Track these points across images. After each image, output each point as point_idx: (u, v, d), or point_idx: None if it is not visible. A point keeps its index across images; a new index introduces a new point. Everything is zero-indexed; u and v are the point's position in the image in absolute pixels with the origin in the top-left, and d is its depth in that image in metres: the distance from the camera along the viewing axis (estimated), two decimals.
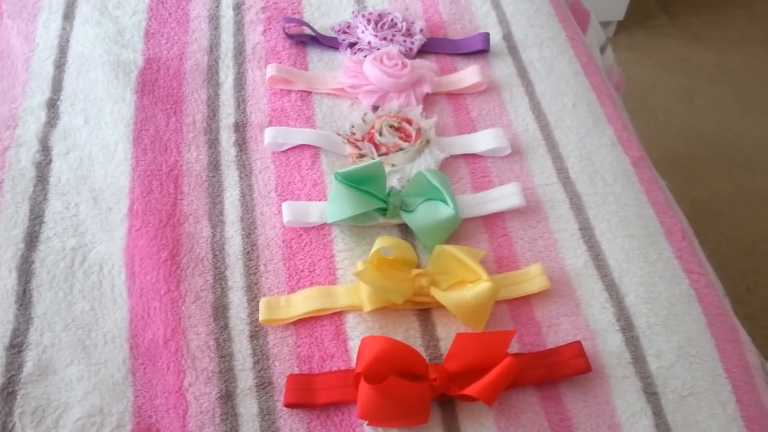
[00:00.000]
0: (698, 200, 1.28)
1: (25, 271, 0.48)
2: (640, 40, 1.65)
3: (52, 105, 0.59)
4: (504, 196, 0.54)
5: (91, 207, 0.51)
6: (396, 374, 0.41)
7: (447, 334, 0.47)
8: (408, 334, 0.47)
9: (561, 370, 0.45)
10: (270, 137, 0.56)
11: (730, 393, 0.46)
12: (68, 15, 0.67)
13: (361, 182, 0.50)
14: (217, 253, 0.50)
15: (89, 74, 0.61)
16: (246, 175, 0.55)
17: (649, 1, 1.78)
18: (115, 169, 0.54)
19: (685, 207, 0.72)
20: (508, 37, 0.69)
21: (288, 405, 0.43)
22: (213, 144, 0.57)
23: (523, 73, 0.65)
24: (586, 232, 0.53)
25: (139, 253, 0.48)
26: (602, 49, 0.92)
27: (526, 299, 0.49)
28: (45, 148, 0.56)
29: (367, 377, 0.40)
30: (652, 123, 1.44)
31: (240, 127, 0.58)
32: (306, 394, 0.43)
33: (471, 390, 0.41)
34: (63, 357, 0.44)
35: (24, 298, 0.46)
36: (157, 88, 0.61)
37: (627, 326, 0.48)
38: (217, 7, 0.69)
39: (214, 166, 0.55)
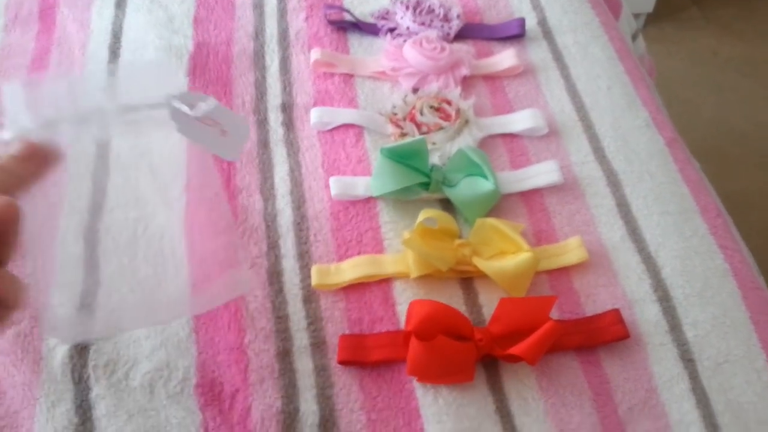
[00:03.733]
0: (728, 193, 1.28)
1: (91, 239, 0.51)
2: (670, 33, 1.65)
3: None
4: (542, 173, 0.56)
5: (151, 181, 0.54)
6: (443, 334, 0.43)
7: (489, 300, 0.49)
8: (452, 300, 0.49)
9: (600, 336, 0.47)
10: (316, 117, 0.59)
11: (765, 362, 0.47)
12: (120, 3, 0.70)
13: (405, 158, 0.53)
14: (270, 223, 0.53)
15: (143, 58, 0.64)
16: (294, 152, 0.58)
17: None
18: (172, 146, 0.57)
19: None
20: (542, 22, 0.71)
21: (341, 362, 0.45)
22: (262, 123, 0.60)
23: (558, 56, 0.67)
24: (623, 207, 0.55)
25: (198, 223, 0.51)
26: (633, 37, 0.94)
27: (565, 270, 0.51)
28: None
29: (418, 335, 0.43)
30: (681, 116, 1.44)
31: (287, 108, 0.61)
32: (358, 353, 0.45)
33: (515, 350, 0.43)
34: (129, 316, 0.47)
35: (91, 263, 0.49)
36: (207, 72, 0.64)
37: (664, 297, 0.50)
38: None
39: (264, 144, 0.58)
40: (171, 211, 0.52)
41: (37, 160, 0.32)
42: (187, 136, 0.35)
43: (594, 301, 0.50)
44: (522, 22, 0.68)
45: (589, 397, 0.45)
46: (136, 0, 0.70)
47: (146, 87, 0.36)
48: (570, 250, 0.51)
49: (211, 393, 0.44)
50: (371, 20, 0.69)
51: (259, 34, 0.68)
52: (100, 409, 0.43)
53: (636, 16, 1.59)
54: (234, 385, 0.45)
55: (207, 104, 0.35)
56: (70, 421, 0.43)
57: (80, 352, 0.45)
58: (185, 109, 0.35)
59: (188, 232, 0.51)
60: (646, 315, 0.49)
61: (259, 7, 0.71)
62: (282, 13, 0.70)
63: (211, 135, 0.35)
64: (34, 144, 0.32)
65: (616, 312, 0.48)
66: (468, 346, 0.44)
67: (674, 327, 0.49)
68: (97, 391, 0.44)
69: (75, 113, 0.35)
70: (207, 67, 0.64)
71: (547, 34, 0.69)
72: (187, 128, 0.35)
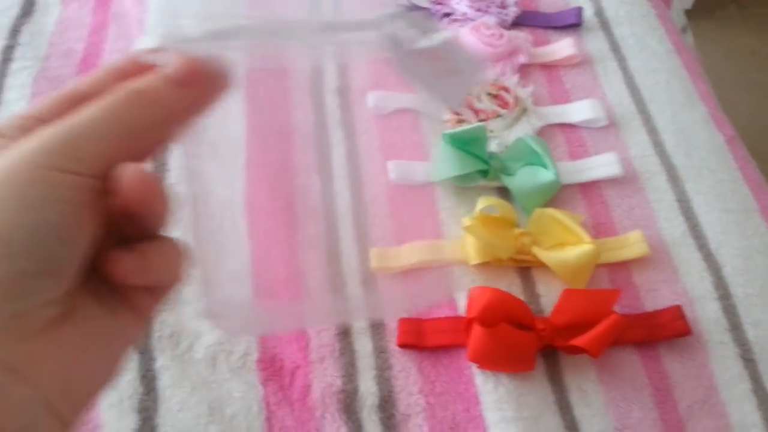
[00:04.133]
0: None
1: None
2: (707, 30, 1.62)
3: None
4: (602, 165, 0.55)
5: (211, 158, 0.55)
6: (505, 322, 0.43)
7: (547, 291, 0.49)
8: (510, 289, 0.48)
9: (661, 332, 0.47)
10: (374, 100, 0.59)
11: None
12: None
13: (465, 144, 0.52)
14: (328, 205, 0.53)
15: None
16: (350, 135, 0.57)
17: None
18: (231, 125, 0.57)
19: None
20: (599, 12, 0.70)
21: (401, 345, 0.45)
22: (318, 106, 0.60)
23: (615, 48, 0.66)
24: (683, 203, 0.54)
25: (258, 201, 0.52)
26: (683, 31, 0.92)
27: (624, 264, 0.50)
28: None
29: (481, 321, 0.43)
30: None
31: (343, 91, 0.61)
32: (417, 337, 0.45)
33: (579, 341, 0.43)
34: (193, 290, 0.47)
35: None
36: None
37: (724, 295, 0.49)
38: None
39: (321, 126, 0.58)
40: (231, 188, 0.53)
41: (200, 87, 0.23)
42: (404, 70, 0.26)
43: (654, 296, 0.49)
44: (580, 11, 0.67)
45: (650, 393, 0.45)
46: None
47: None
48: (631, 244, 0.50)
49: (272, 368, 0.45)
50: (426, 4, 0.69)
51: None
52: (165, 379, 0.44)
53: None
54: (294, 362, 0.45)
55: (439, 35, 0.26)
56: (135, 390, 0.43)
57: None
58: (410, 34, 0.26)
59: (248, 210, 0.52)
60: (706, 313, 0.49)
61: None
62: None
63: (433, 73, 0.26)
64: (196, 62, 0.23)
65: (677, 308, 0.47)
66: (530, 336, 0.43)
67: (735, 326, 0.48)
68: (162, 362, 0.44)
69: (258, 23, 0.25)
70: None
71: (604, 24, 0.68)
72: (405, 60, 0.26)
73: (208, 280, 0.25)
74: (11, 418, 0.19)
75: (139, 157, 0.22)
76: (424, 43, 0.25)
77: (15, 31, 0.66)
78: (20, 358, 0.19)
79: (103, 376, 0.22)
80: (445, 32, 0.26)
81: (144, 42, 0.25)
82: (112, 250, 0.22)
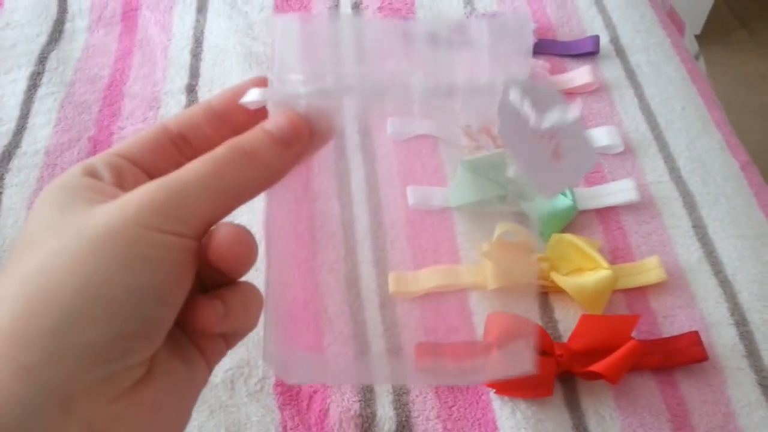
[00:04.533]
0: None
1: None
2: (717, 56, 1.63)
3: (191, 89, 0.64)
4: (619, 191, 0.55)
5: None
6: None
7: (564, 317, 0.49)
8: (528, 314, 0.49)
9: (678, 358, 0.47)
10: (393, 127, 0.60)
11: None
12: (201, 8, 0.72)
13: (484, 170, 0.53)
14: (347, 229, 0.54)
15: (224, 63, 0.66)
16: (370, 160, 0.59)
17: (727, 15, 1.75)
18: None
19: None
20: (615, 40, 0.71)
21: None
22: (339, 131, 0.61)
23: (631, 75, 0.67)
24: (700, 230, 0.54)
25: (278, 224, 0.52)
26: (696, 58, 0.93)
27: (641, 290, 0.51)
28: None
29: (499, 346, 0.43)
30: None
31: (362, 117, 0.62)
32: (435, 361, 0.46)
33: (597, 367, 0.43)
34: None
35: None
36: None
37: (741, 321, 0.49)
38: (337, 6, 0.73)
39: (340, 151, 0.59)
40: (252, 212, 0.54)
41: (301, 145, 0.23)
42: (509, 144, 0.23)
43: (671, 322, 0.49)
44: (597, 39, 0.68)
45: (667, 418, 0.45)
46: (217, 5, 0.72)
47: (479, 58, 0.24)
48: (648, 270, 0.51)
49: (290, 393, 0.45)
50: None
51: None
52: None
53: None
54: (312, 386, 0.45)
55: (566, 111, 0.22)
56: None
57: None
58: (527, 105, 0.22)
59: (267, 233, 0.52)
60: (723, 338, 0.49)
61: (346, 23, 0.72)
62: None
63: (538, 154, 0.23)
64: (302, 121, 0.23)
65: (694, 334, 0.47)
66: (548, 361, 0.44)
67: (752, 352, 0.48)
68: None
69: (366, 82, 0.23)
70: None
71: (620, 52, 0.69)
72: (513, 133, 0.23)
73: (267, 322, 0.25)
74: None
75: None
76: (551, 119, 0.22)
77: (42, 58, 0.68)
78: (104, 420, 0.19)
79: (178, 429, 0.22)
80: (573, 109, 0.23)
81: (251, 94, 0.23)
82: (196, 299, 0.21)
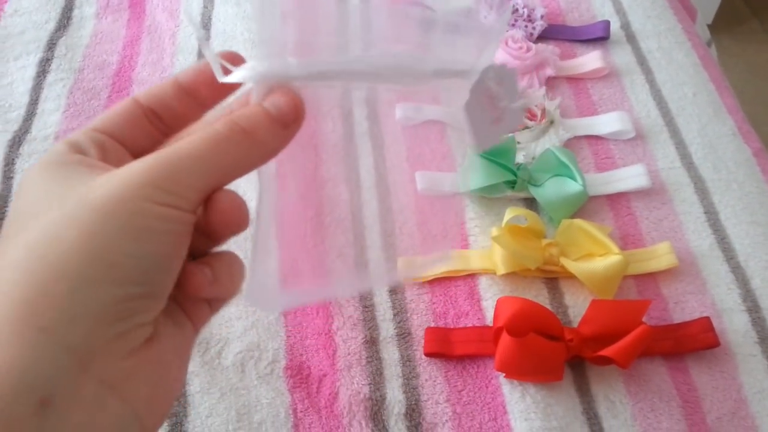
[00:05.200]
0: None
1: None
2: (729, 46, 1.61)
3: None
4: (630, 177, 0.55)
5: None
6: (534, 332, 0.43)
7: (575, 302, 0.49)
8: (537, 299, 0.49)
9: (689, 343, 0.46)
10: (402, 112, 0.59)
11: None
12: None
13: (493, 155, 0.53)
14: (356, 214, 0.53)
15: (231, 49, 0.66)
16: (378, 145, 0.58)
17: (739, 5, 1.73)
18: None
19: None
20: (626, 26, 0.70)
21: (427, 354, 0.46)
22: (347, 117, 0.61)
23: (642, 61, 0.66)
24: (711, 216, 0.54)
25: (287, 210, 0.52)
26: (708, 45, 0.92)
27: (652, 276, 0.50)
28: None
29: (510, 331, 0.43)
30: None
31: (371, 102, 0.62)
32: (444, 346, 0.45)
33: (607, 352, 0.43)
34: None
35: None
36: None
37: (753, 307, 0.49)
38: None
39: (349, 137, 0.59)
40: (262, 197, 0.54)
41: (299, 126, 0.24)
42: (469, 114, 0.26)
43: (682, 308, 0.49)
44: (607, 24, 0.67)
45: (678, 404, 0.45)
46: None
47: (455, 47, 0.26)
48: (659, 256, 0.50)
49: (300, 375, 0.45)
50: None
51: (341, 32, 0.69)
52: (195, 385, 0.44)
53: None
54: (322, 370, 0.45)
55: (518, 93, 0.27)
56: None
57: None
58: (493, 85, 0.25)
59: (278, 219, 0.52)
60: (734, 325, 0.48)
61: (343, 3, 0.72)
62: (364, 13, 0.71)
63: (484, 119, 0.26)
64: (301, 103, 0.23)
65: (706, 319, 0.47)
66: (558, 346, 0.44)
67: (764, 338, 0.48)
68: (192, 368, 0.45)
69: (356, 63, 0.24)
70: None
71: (631, 38, 0.69)
72: (474, 106, 0.26)
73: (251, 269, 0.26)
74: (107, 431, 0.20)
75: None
76: (500, 96, 0.26)
77: (51, 44, 0.68)
78: (118, 376, 0.20)
79: (177, 388, 0.23)
80: (522, 100, 0.27)
81: (240, 73, 0.23)
82: (187, 266, 0.23)
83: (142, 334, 0.21)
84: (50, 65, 0.66)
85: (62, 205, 0.20)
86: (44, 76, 0.65)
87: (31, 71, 0.65)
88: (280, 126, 0.23)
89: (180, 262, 0.22)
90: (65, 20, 0.70)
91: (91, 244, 0.20)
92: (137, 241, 0.20)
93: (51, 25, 0.70)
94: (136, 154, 0.24)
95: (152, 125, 0.25)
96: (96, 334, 0.19)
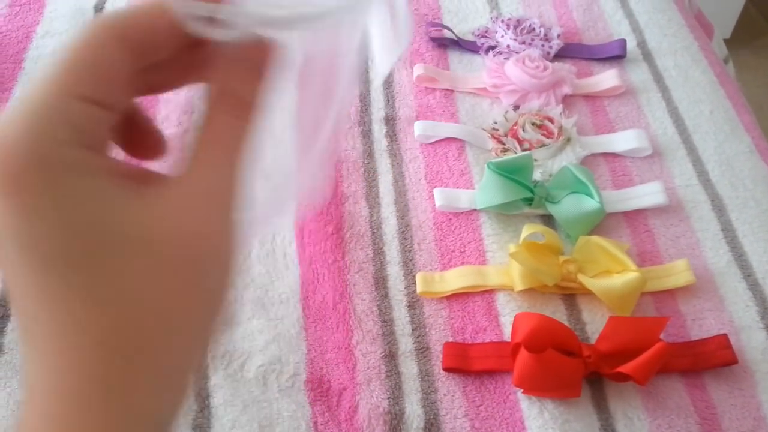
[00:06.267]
0: None
1: None
2: (747, 59, 1.61)
3: None
4: (647, 194, 0.55)
5: (263, 185, 0.57)
6: (551, 348, 0.44)
7: (592, 318, 0.49)
8: (555, 315, 0.49)
9: (707, 360, 0.47)
10: (420, 129, 0.61)
11: None
12: None
13: (510, 172, 0.54)
14: (375, 230, 0.54)
15: None
16: (397, 163, 0.59)
17: (757, 18, 1.73)
18: (283, 153, 0.59)
19: None
20: (642, 44, 0.71)
21: (446, 369, 0.46)
22: (366, 134, 0.62)
23: (658, 79, 0.67)
24: (728, 233, 0.54)
25: (308, 226, 0.53)
26: (724, 62, 0.92)
27: (670, 293, 0.51)
28: None
29: (528, 347, 0.43)
30: None
31: (390, 121, 0.63)
32: (462, 361, 0.46)
33: (625, 368, 0.43)
34: (245, 311, 0.49)
35: None
36: (314, 84, 0.66)
37: None
38: None
39: (369, 154, 0.60)
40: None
41: (271, 78, 0.21)
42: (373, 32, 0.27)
43: (700, 325, 0.49)
44: (624, 43, 0.68)
45: (696, 421, 0.45)
46: None
47: None
48: (677, 273, 0.51)
49: (320, 389, 0.46)
50: (471, 38, 0.71)
51: (362, 48, 0.70)
52: (218, 398, 0.45)
53: None
54: (341, 383, 0.46)
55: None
56: (190, 408, 0.45)
57: None
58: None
59: (298, 235, 0.53)
60: (753, 342, 0.48)
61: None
62: None
63: (387, 34, 0.28)
64: (277, 53, 0.21)
65: (724, 337, 0.47)
66: (576, 362, 0.44)
67: None
68: (215, 380, 0.46)
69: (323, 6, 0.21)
70: (314, 80, 0.67)
71: (647, 56, 0.69)
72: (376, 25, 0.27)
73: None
74: None
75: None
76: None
77: None
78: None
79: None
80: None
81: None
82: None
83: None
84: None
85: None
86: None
87: None
88: (249, 75, 0.22)
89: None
90: None
91: None
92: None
93: None
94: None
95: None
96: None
